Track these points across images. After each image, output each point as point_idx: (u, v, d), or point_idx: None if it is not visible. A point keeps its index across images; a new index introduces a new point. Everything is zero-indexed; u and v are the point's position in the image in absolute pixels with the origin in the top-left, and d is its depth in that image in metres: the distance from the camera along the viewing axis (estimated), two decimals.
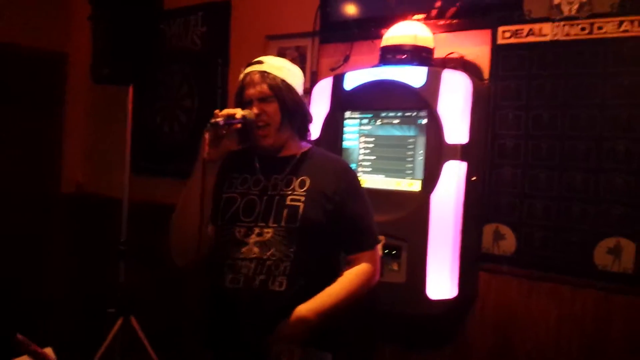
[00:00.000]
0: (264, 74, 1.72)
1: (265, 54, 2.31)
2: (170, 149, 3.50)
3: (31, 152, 3.90)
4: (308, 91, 2.46)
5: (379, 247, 1.82)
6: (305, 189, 1.72)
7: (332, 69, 2.64)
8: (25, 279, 3.85)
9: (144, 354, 3.04)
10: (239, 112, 1.66)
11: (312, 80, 2.70)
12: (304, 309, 1.63)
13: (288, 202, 1.70)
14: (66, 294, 3.98)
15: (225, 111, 1.65)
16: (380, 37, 2.34)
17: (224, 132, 1.65)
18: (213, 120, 1.62)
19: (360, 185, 1.83)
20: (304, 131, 1.84)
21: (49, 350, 1.26)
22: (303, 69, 2.81)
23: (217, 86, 3.20)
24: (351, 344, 2.44)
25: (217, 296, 1.74)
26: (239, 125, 1.67)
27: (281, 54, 2.84)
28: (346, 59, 2.64)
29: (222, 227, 1.75)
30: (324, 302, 1.66)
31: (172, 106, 3.46)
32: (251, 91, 1.72)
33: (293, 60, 2.82)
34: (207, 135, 1.62)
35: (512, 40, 2.22)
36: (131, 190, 3.23)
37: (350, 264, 1.77)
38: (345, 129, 2.39)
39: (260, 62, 1.76)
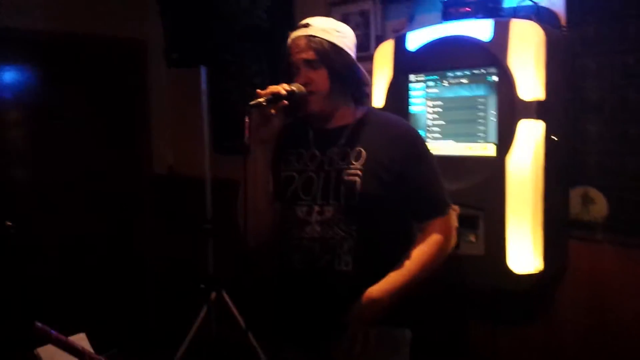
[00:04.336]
0: (309, 38, 1.62)
1: None
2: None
3: (123, 137, 4.09)
4: (370, 57, 2.34)
5: (452, 212, 1.70)
6: (361, 161, 1.62)
7: (396, 31, 2.48)
8: (119, 260, 4.10)
9: (237, 326, 3.13)
10: (283, 89, 1.58)
11: (377, 44, 2.55)
12: (375, 290, 1.57)
13: (345, 178, 1.61)
14: (161, 272, 4.19)
15: (269, 89, 1.57)
16: None
17: (273, 111, 1.57)
18: (254, 102, 1.54)
19: (424, 147, 1.70)
20: (359, 96, 1.72)
21: (81, 336, 1.26)
22: (367, 33, 2.70)
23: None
24: (434, 319, 2.36)
25: (286, 277, 1.72)
26: (286, 102, 1.57)
27: (345, 19, 2.73)
28: (411, 18, 2.47)
29: (285, 207, 1.70)
30: (395, 280, 1.59)
31: (244, 84, 3.46)
32: (296, 57, 1.63)
33: (357, 26, 2.72)
34: (247, 119, 1.55)
35: None
36: (216, 169, 3.30)
37: (421, 232, 1.66)
38: (411, 93, 2.25)
39: (306, 26, 1.65)
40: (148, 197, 4.19)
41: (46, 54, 3.71)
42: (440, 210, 1.67)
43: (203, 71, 3.20)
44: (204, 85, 3.22)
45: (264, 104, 1.54)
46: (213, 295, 3.19)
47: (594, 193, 2.06)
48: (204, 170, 3.30)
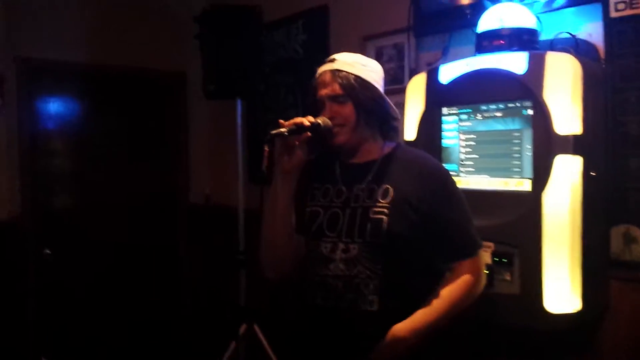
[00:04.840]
0: (335, 73, 1.62)
1: (364, 54, 2.23)
2: None
3: (162, 167, 4.17)
4: (404, 89, 2.32)
5: (483, 253, 1.66)
6: (388, 199, 1.59)
7: (429, 64, 2.47)
8: (156, 288, 4.12)
9: None
10: (307, 120, 1.57)
11: (411, 77, 2.54)
12: (401, 328, 1.53)
13: (371, 216, 1.58)
14: (194, 301, 4.21)
15: (293, 120, 1.57)
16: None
17: (297, 142, 1.57)
18: (275, 131, 1.54)
19: (453, 186, 1.66)
20: (387, 130, 1.71)
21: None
22: (401, 66, 2.69)
23: None
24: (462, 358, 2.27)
25: (308, 313, 1.69)
26: (309, 134, 1.57)
27: (379, 53, 2.74)
28: (445, 51, 2.45)
29: (309, 243, 1.68)
30: (422, 319, 1.55)
31: (279, 117, 3.46)
32: (322, 92, 1.63)
33: (391, 59, 2.72)
34: (266, 147, 1.54)
35: (628, 12, 1.91)
36: (250, 200, 3.31)
37: (450, 272, 1.62)
38: (444, 127, 2.21)
39: (332, 61, 1.66)
40: (184, 227, 4.23)
41: (89, 85, 3.83)
42: (470, 251, 1.63)
43: (239, 103, 3.25)
44: (239, 117, 3.27)
45: (286, 134, 1.54)
46: (243, 327, 3.16)
47: (636, 232, 1.96)
48: (238, 201, 3.32)
